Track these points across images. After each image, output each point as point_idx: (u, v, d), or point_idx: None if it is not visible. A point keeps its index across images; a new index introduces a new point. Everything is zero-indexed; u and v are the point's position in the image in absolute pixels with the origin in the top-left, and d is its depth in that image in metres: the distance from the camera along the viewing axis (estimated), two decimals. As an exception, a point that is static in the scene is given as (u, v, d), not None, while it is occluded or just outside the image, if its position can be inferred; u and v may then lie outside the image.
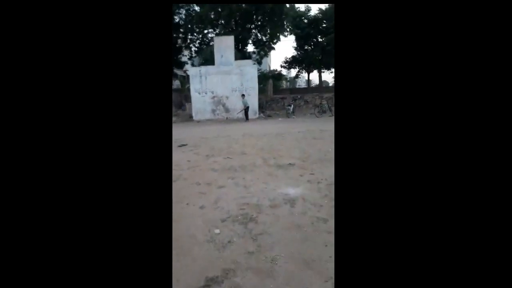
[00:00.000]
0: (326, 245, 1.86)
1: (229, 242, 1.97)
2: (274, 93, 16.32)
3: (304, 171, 3.57)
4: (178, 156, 4.80)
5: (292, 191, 2.88)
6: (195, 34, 18.51)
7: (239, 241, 1.97)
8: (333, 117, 10.65)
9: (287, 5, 17.54)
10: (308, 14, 20.15)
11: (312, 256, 1.74)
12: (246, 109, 11.26)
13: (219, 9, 16.66)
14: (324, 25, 19.24)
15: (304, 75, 24.09)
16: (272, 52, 21.17)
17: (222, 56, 12.00)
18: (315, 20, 19.63)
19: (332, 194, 2.76)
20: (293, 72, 24.50)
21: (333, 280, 1.51)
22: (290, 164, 3.97)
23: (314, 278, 1.55)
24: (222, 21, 17.57)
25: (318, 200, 2.63)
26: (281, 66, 22.92)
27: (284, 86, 24.78)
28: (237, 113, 11.65)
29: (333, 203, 2.55)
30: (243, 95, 11.45)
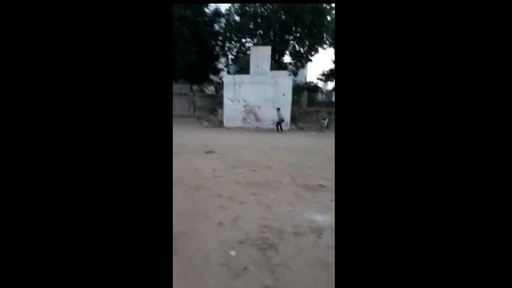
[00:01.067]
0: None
1: (244, 269, 1.78)
2: (309, 105, 15.95)
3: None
4: (204, 163, 4.76)
5: (320, 218, 2.61)
6: (233, 42, 19.00)
7: (255, 270, 1.77)
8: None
9: (328, 18, 17.26)
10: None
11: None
12: (280, 122, 11.08)
13: (259, 20, 16.95)
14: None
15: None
16: (309, 64, 20.92)
17: (257, 66, 12.06)
18: (356, 34, 19.04)
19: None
20: (330, 85, 23.92)
21: None
22: (320, 185, 3.68)
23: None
24: (261, 32, 17.83)
25: (349, 232, 2.32)
26: (318, 79, 22.52)
27: (320, 99, 24.24)
28: (270, 124, 11.51)
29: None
30: (278, 109, 11.31)
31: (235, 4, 17.94)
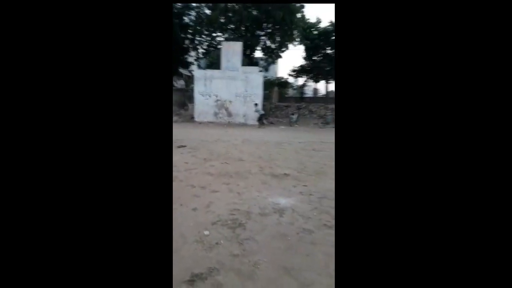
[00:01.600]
0: (307, 255, 1.96)
1: (216, 244, 2.08)
2: (279, 101, 16.50)
3: (298, 182, 3.68)
4: (176, 157, 4.92)
5: (283, 201, 2.99)
6: (203, 36, 18.78)
7: (226, 244, 2.08)
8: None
9: (298, 15, 17.81)
10: (318, 26, 20.45)
11: (293, 265, 1.84)
12: (261, 117, 11.36)
13: (230, 14, 16.97)
14: (334, 38, 19.49)
15: (311, 84, 24.38)
16: (280, 60, 21.44)
17: (228, 61, 12.21)
18: (324, 32, 19.93)
19: (322, 207, 2.86)
20: (301, 80, 24.88)
21: (309, 289, 1.61)
22: (285, 174, 4.08)
23: (292, 285, 1.65)
24: (232, 26, 17.87)
25: (307, 212, 2.73)
26: (289, 75, 23.26)
27: (291, 94, 25.09)
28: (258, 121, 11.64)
29: (321, 216, 2.65)
30: (256, 104, 11.59)
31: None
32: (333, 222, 2.53)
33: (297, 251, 2.02)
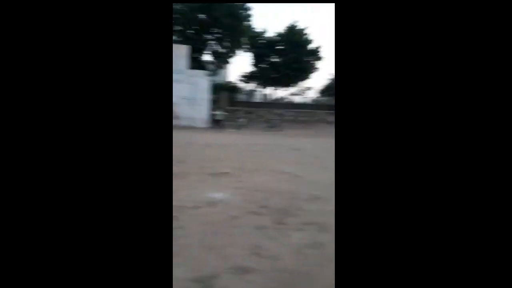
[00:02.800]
0: (230, 235, 2.27)
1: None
2: (229, 105, 16.84)
3: (235, 179, 4.00)
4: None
5: (217, 195, 3.26)
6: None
7: (157, 235, 2.26)
8: (281, 132, 11.74)
9: (244, 23, 18.51)
10: (263, 36, 21.50)
11: (217, 244, 2.13)
12: (218, 121, 11.49)
13: (178, 16, 16.75)
14: (279, 47, 20.74)
15: (261, 90, 25.40)
16: (232, 65, 21.91)
17: (174, 64, 12.09)
18: (270, 42, 21.08)
19: (251, 198, 3.22)
20: (250, 86, 25.72)
21: (227, 260, 1.91)
22: (224, 172, 4.37)
23: (213, 258, 1.92)
24: (180, 28, 17.64)
25: (237, 203, 3.05)
26: (240, 80, 23.86)
27: (242, 99, 25.72)
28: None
29: (249, 205, 3.00)
30: (213, 109, 11.74)
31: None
32: (257, 209, 2.91)
33: (222, 233, 2.31)
